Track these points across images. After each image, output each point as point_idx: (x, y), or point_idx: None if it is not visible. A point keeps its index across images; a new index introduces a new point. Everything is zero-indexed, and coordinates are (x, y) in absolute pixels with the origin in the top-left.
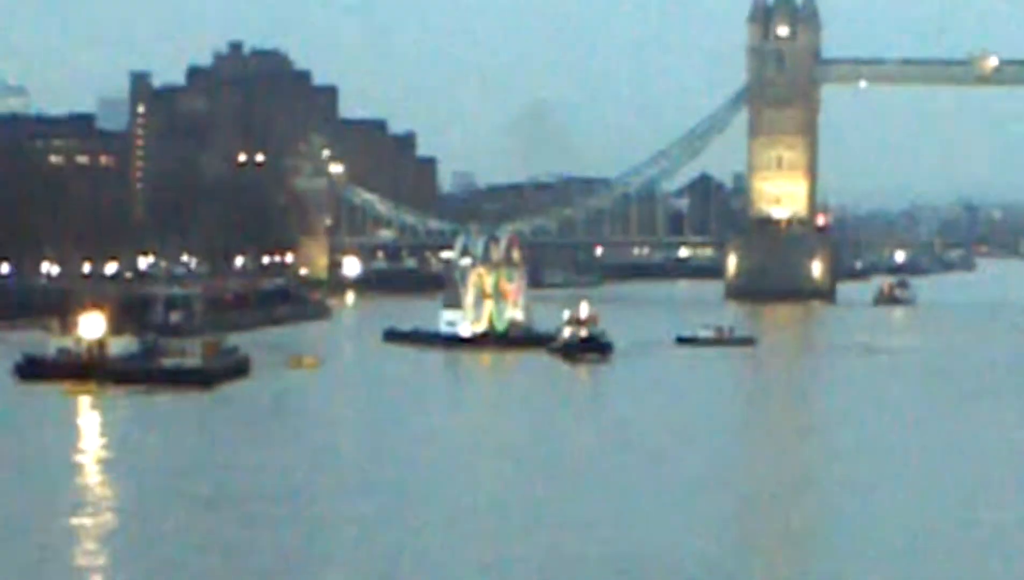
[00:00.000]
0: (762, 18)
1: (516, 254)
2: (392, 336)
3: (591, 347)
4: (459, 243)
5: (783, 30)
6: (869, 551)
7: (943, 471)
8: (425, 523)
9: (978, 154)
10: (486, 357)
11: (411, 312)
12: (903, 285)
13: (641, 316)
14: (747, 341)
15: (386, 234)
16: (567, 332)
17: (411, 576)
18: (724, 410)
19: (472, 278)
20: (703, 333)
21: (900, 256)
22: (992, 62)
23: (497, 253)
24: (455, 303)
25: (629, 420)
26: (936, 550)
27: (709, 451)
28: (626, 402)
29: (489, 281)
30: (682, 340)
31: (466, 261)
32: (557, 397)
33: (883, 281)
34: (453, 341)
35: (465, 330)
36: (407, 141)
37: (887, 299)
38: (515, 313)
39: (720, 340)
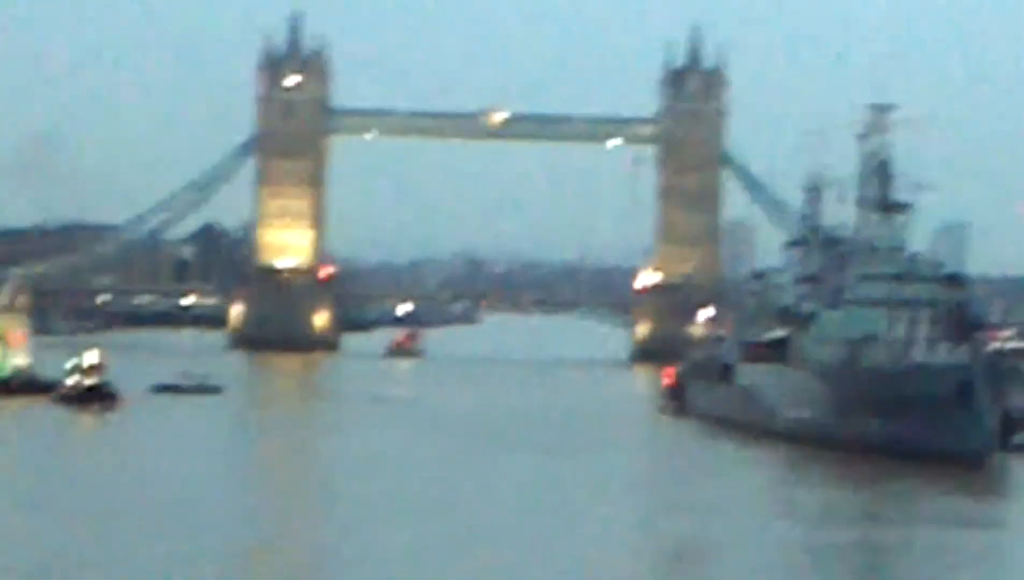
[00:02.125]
0: (271, 67)
1: (21, 300)
2: None
3: (96, 396)
4: None
5: (292, 80)
6: None
7: (446, 516)
8: None
9: (483, 208)
10: None
11: None
12: (414, 337)
13: (143, 364)
14: (215, 389)
15: None
16: (72, 380)
17: None
18: (230, 456)
19: None
20: (180, 381)
21: (405, 308)
22: (501, 116)
23: (2, 299)
24: None
25: (134, 468)
26: None
27: (218, 499)
28: (132, 450)
29: None
30: (161, 388)
31: None
32: (60, 446)
33: (393, 333)
34: None
35: None
36: None
37: (399, 351)
38: (19, 360)
39: (191, 388)
